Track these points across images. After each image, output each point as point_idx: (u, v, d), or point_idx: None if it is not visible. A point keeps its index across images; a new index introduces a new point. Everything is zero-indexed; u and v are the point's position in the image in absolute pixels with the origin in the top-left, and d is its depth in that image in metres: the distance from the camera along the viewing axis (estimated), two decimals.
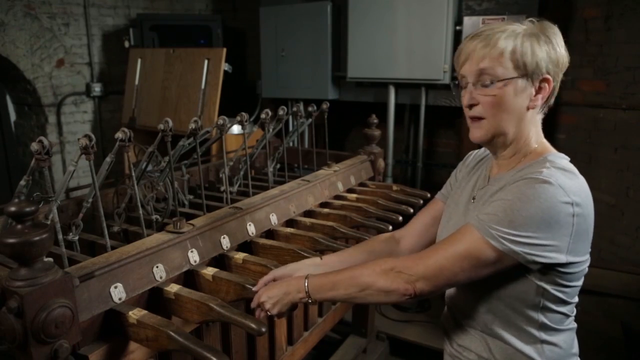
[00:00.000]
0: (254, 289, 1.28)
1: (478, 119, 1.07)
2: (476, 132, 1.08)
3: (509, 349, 1.07)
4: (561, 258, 0.96)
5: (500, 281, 1.03)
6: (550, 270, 0.98)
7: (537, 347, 1.06)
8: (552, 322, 1.05)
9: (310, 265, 1.33)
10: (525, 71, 1.01)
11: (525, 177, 0.97)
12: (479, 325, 1.11)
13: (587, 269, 1.04)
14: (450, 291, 1.21)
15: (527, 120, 1.06)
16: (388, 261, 1.07)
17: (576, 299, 1.08)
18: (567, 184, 0.95)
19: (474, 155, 1.32)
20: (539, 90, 1.04)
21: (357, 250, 1.39)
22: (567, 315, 1.07)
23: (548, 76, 1.03)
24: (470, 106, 1.07)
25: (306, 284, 1.16)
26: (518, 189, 0.96)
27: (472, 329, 1.13)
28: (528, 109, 1.05)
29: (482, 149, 1.29)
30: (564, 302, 1.04)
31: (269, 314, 1.22)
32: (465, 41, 1.08)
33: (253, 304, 1.25)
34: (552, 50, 1.02)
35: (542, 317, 1.04)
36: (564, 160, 1.06)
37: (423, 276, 1.01)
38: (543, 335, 1.05)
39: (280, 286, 1.21)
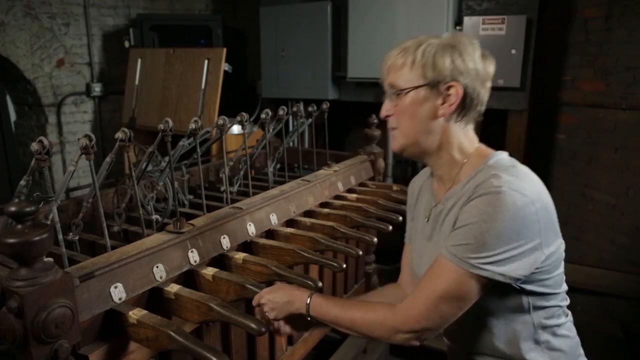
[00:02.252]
0: (253, 302, 1.28)
1: (393, 129, 1.12)
2: (393, 143, 1.14)
3: None
4: (540, 256, 0.96)
5: (486, 299, 1.02)
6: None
7: (540, 348, 1.05)
8: (546, 319, 1.05)
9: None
10: (427, 80, 1.04)
11: (479, 195, 0.97)
12: (481, 349, 1.11)
13: (563, 253, 1.04)
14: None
15: (441, 129, 1.08)
16: (387, 318, 1.05)
17: (564, 287, 1.08)
18: (519, 185, 0.95)
19: (416, 181, 1.33)
20: (446, 98, 1.05)
21: (374, 292, 1.42)
22: (559, 306, 1.07)
23: (454, 83, 1.03)
24: (387, 118, 1.13)
25: (308, 302, 1.15)
26: (477, 209, 0.96)
27: (478, 355, 1.13)
28: (437, 117, 1.06)
29: (420, 173, 1.31)
30: (551, 295, 1.04)
31: (266, 315, 1.22)
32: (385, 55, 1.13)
33: (254, 303, 1.25)
34: (459, 58, 1.03)
35: (535, 318, 1.04)
36: (502, 155, 1.07)
37: (426, 328, 1.02)
38: (543, 336, 1.05)
39: (284, 293, 1.21)
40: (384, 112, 1.13)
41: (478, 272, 0.95)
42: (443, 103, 1.05)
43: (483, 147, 1.12)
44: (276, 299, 1.20)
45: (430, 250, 1.12)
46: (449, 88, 1.04)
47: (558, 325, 1.07)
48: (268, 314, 1.21)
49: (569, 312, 1.12)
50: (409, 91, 1.06)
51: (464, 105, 1.06)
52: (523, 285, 0.99)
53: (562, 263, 1.05)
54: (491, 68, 1.08)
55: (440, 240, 1.07)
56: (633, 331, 2.91)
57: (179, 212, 1.59)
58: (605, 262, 3.18)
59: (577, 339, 1.13)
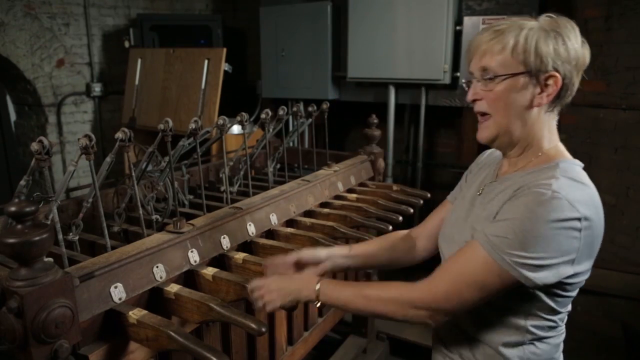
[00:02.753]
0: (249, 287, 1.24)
1: (484, 115, 1.06)
2: (483, 132, 1.07)
3: (489, 350, 1.07)
4: (568, 271, 0.95)
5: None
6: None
7: (520, 352, 1.05)
8: (538, 329, 1.03)
9: (339, 255, 1.33)
10: (528, 67, 0.99)
11: (533, 190, 0.94)
12: (464, 326, 1.11)
13: (584, 282, 1.02)
14: None
15: (533, 119, 1.03)
16: (403, 293, 1.04)
17: (568, 308, 1.06)
18: (576, 197, 0.92)
19: (487, 154, 1.29)
20: (544, 88, 1.00)
21: (381, 245, 1.39)
22: (556, 324, 1.05)
23: (555, 73, 0.99)
24: (474, 102, 1.06)
25: (317, 289, 1.14)
26: (526, 206, 0.93)
27: (458, 331, 1.13)
28: (533, 106, 1.02)
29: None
30: (555, 311, 1.02)
31: (267, 305, 1.18)
32: (474, 36, 1.06)
33: (249, 288, 1.22)
34: (562, 46, 0.98)
35: (529, 324, 1.03)
36: (576, 167, 1.03)
37: (442, 309, 1.01)
38: (527, 342, 1.04)
39: (292, 282, 1.19)
40: (471, 95, 1.06)
41: (509, 270, 0.93)
42: (541, 92, 1.00)
43: (561, 147, 1.08)
44: (284, 287, 1.17)
45: (469, 220, 1.11)
46: (548, 78, 0.99)
47: (547, 337, 1.06)
48: (273, 303, 1.17)
49: (563, 331, 1.10)
50: (506, 78, 1.00)
51: (559, 96, 1.02)
52: (536, 291, 0.98)
53: (577, 290, 1.03)
54: (588, 56, 1.03)
55: (481, 216, 1.05)
56: (633, 331, 2.91)
57: (179, 212, 1.59)
58: (605, 262, 3.17)
59: (560, 356, 1.12)
